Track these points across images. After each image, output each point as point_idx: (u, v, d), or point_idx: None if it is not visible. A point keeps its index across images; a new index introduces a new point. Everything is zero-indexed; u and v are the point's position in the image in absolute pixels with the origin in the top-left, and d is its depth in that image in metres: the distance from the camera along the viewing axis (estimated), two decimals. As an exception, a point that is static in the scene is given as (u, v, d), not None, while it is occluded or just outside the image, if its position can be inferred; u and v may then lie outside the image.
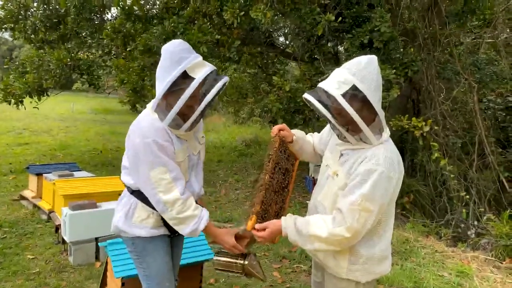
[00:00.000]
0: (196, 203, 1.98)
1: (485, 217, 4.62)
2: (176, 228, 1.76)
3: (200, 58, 1.70)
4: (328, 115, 1.56)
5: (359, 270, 1.64)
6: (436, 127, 5.01)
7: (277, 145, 1.82)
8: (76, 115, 18.73)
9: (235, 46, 5.33)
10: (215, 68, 1.71)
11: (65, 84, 9.82)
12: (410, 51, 5.09)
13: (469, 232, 4.53)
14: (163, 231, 1.86)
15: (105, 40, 6.26)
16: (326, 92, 1.55)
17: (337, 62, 6.27)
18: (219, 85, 1.67)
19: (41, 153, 8.75)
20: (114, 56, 7.04)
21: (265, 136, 11.81)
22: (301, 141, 1.97)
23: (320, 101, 1.56)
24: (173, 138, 1.74)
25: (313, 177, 6.72)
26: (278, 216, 1.80)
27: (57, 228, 3.97)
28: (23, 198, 5.22)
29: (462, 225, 4.74)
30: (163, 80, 1.64)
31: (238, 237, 1.84)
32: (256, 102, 11.54)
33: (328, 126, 1.92)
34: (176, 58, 1.63)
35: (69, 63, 6.79)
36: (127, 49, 5.66)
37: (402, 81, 4.85)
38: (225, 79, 1.69)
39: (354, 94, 1.50)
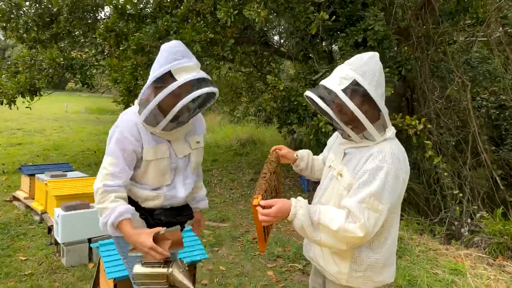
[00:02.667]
0: (190, 210, 1.96)
1: (478, 215, 4.64)
2: None
3: (192, 63, 1.67)
4: (330, 112, 1.51)
5: (361, 277, 1.57)
6: (429, 126, 5.02)
7: (274, 158, 1.83)
8: (69, 115, 18.64)
9: (229, 45, 5.30)
10: (206, 76, 1.67)
11: (58, 83, 9.77)
12: (404, 49, 5.11)
13: (462, 230, 4.54)
14: None
15: (98, 39, 6.22)
16: (327, 88, 1.52)
17: (331, 61, 6.26)
18: (199, 92, 1.61)
19: (35, 154, 8.69)
20: (107, 55, 6.99)
21: (260, 135, 11.80)
22: (306, 159, 1.94)
23: (322, 98, 1.53)
24: (143, 135, 1.73)
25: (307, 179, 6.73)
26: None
27: (50, 229, 3.94)
28: (15, 199, 5.18)
29: (456, 223, 4.75)
30: (151, 75, 1.68)
31: (157, 239, 1.58)
32: (250, 101, 11.56)
33: (334, 135, 1.89)
34: (168, 58, 1.64)
35: (62, 62, 6.74)
36: (120, 48, 5.63)
37: (396, 80, 4.85)
38: (209, 89, 1.63)
39: (355, 89, 1.47)
